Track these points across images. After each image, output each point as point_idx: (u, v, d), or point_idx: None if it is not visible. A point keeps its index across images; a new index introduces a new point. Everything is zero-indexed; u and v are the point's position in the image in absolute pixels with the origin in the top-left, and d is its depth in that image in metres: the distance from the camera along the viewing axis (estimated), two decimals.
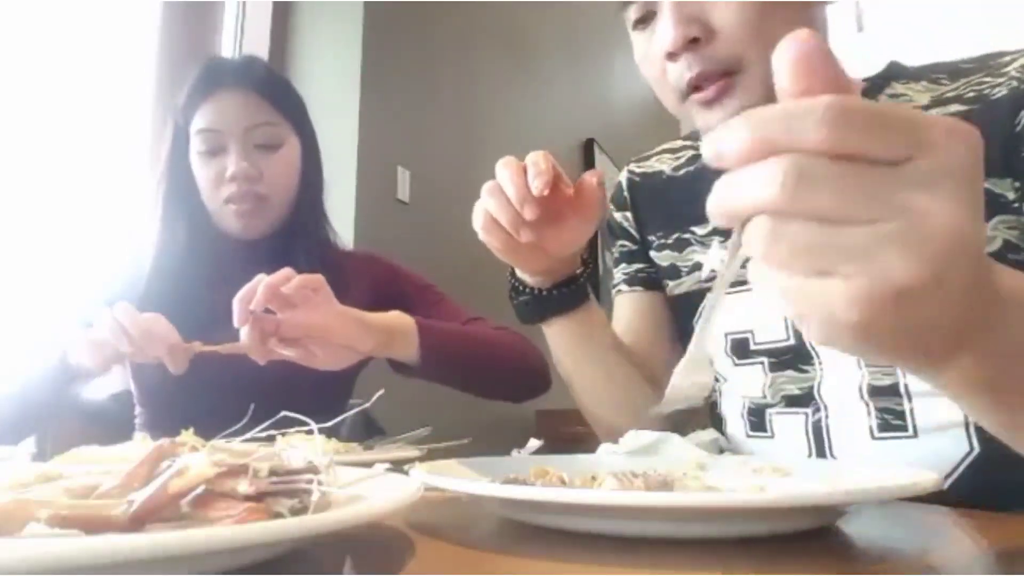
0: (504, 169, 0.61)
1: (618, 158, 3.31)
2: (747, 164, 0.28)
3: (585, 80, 3.30)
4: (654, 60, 0.69)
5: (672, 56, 0.66)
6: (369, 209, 1.83)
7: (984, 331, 0.31)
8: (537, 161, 0.60)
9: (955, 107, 0.64)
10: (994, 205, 0.61)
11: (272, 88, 1.01)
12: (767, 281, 0.29)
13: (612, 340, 0.80)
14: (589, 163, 3.13)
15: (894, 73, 0.71)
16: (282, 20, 1.94)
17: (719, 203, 0.29)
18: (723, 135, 0.28)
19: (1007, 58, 0.65)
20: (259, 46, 1.85)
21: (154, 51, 1.61)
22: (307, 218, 1.05)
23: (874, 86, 0.71)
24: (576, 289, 0.74)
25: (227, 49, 1.80)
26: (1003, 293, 0.32)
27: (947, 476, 0.60)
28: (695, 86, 0.66)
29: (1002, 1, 2.95)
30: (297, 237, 1.02)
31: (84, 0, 1.49)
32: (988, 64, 0.66)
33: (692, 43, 0.64)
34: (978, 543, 0.43)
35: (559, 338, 0.77)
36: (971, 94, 0.64)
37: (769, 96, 0.66)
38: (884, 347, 0.29)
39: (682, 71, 0.66)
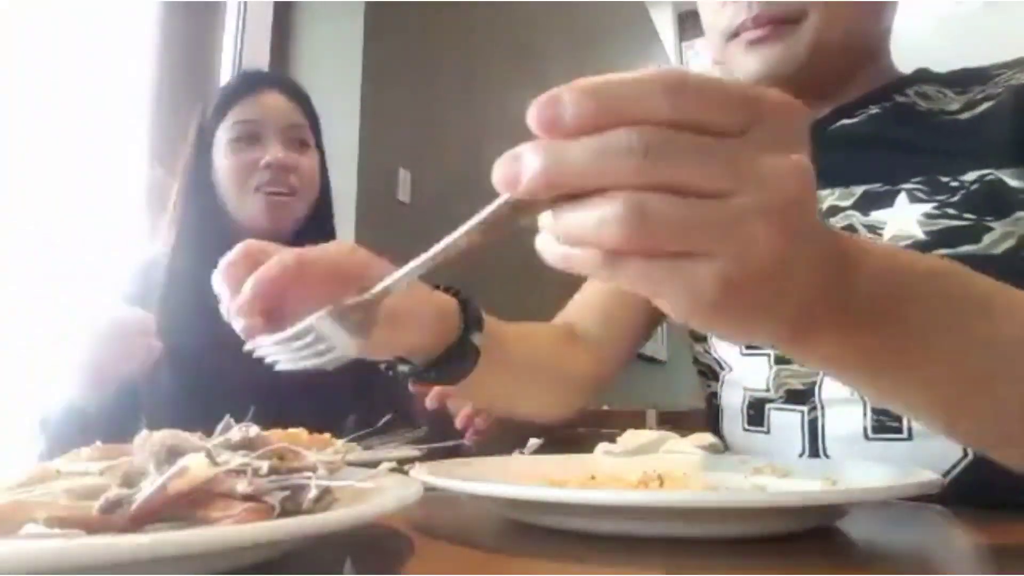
0: None
1: None
2: (586, 133, 0.25)
3: None
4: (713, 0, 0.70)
5: None
6: (369, 210, 1.83)
7: (840, 297, 0.32)
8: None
9: (985, 105, 0.65)
10: (1013, 201, 0.60)
11: (304, 98, 1.09)
12: (620, 268, 0.26)
13: (523, 353, 0.69)
14: None
15: (923, 76, 0.72)
16: (283, 20, 1.94)
17: (546, 170, 0.25)
18: (559, 98, 0.25)
19: None
20: (260, 46, 1.85)
21: (154, 51, 1.61)
22: (321, 225, 1.07)
23: (901, 82, 0.72)
24: (454, 367, 0.58)
25: (227, 49, 1.80)
26: (851, 259, 0.33)
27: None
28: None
29: (1002, 2, 2.95)
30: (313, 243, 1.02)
31: (84, 0, 1.49)
32: (1019, 63, 0.67)
33: None
34: (978, 543, 0.42)
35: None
36: (999, 89, 0.65)
37: (812, 54, 0.67)
38: (743, 321, 0.29)
39: (738, 11, 0.68)
